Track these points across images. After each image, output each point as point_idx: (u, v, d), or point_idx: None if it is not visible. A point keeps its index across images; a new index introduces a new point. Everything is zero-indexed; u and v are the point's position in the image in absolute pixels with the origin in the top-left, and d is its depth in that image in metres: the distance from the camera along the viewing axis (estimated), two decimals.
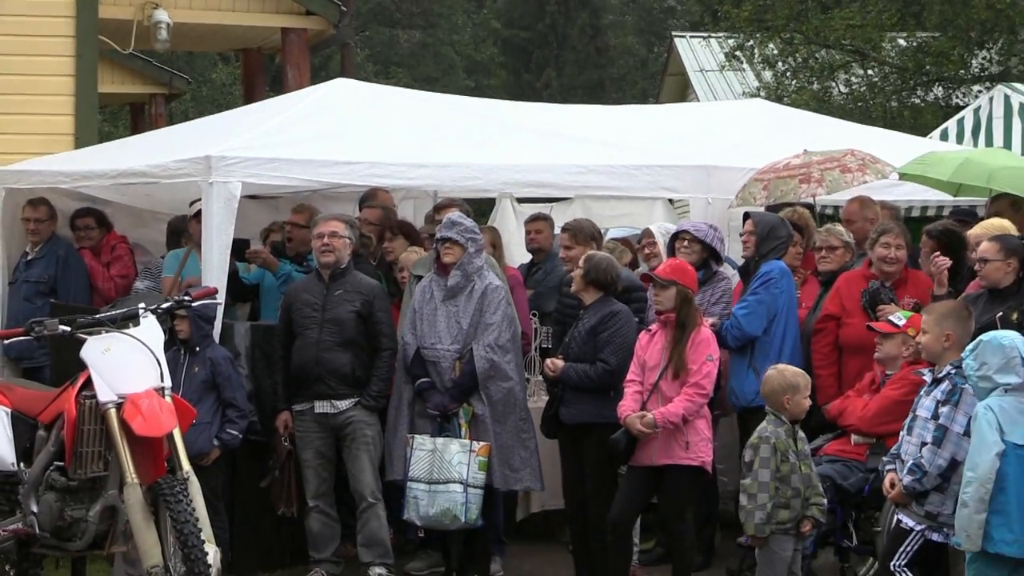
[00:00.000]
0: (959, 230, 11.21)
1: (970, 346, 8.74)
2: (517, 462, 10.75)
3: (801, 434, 9.60)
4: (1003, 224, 10.71)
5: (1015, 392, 8.46)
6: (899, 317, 10.13)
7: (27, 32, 13.59)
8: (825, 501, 9.53)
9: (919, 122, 24.25)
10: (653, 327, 10.26)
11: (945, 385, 8.96)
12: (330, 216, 11.37)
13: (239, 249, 11.77)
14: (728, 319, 10.83)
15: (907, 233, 11.15)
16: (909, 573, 8.90)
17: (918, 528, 8.92)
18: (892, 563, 8.97)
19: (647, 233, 12.13)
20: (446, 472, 10.55)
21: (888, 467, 9.19)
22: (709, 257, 11.23)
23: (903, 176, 12.28)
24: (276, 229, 13.00)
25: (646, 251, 11.97)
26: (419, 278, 11.11)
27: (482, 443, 10.61)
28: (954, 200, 13.09)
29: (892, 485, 9.06)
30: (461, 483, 10.53)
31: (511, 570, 11.51)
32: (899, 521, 9.00)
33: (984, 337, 8.72)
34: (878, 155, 12.25)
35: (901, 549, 8.98)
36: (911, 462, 8.90)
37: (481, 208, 12.05)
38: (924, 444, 8.89)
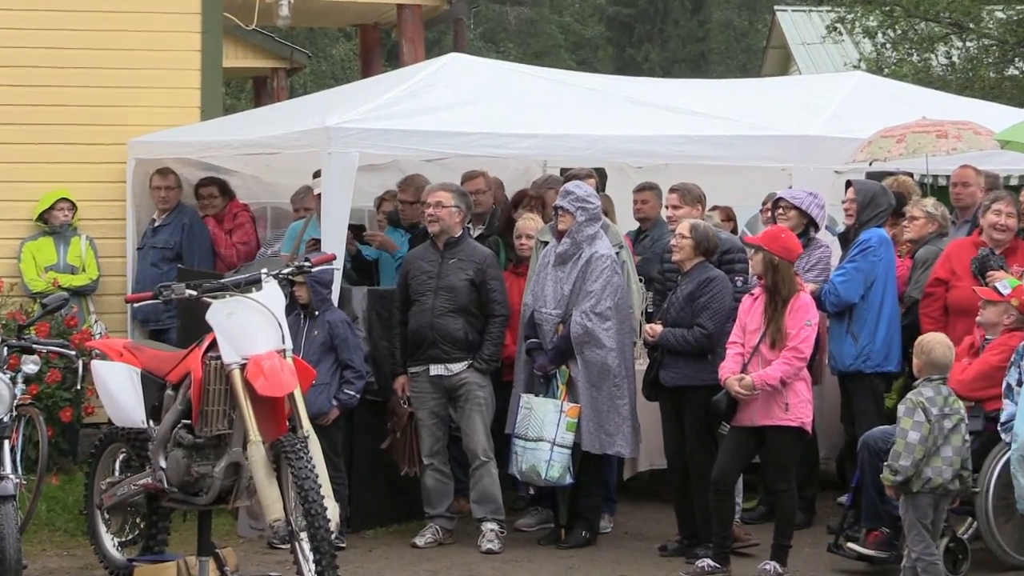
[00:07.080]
0: None
1: None
2: (611, 427, 10.69)
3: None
4: None
5: None
6: (1005, 286, 9.89)
7: (156, 9, 13.63)
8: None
9: (1020, 93, 23.76)
10: (756, 291, 10.16)
11: None
12: (437, 186, 11.29)
13: (356, 234, 11.88)
14: (827, 285, 10.72)
15: (1019, 203, 10.93)
16: None
17: None
18: None
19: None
20: (537, 430, 10.58)
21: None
22: (808, 224, 11.09)
23: (1002, 143, 11.96)
24: (389, 198, 12.97)
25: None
26: (545, 243, 11.11)
27: (572, 404, 10.59)
28: None
29: None
30: (549, 442, 10.53)
31: (618, 527, 11.49)
32: None
33: None
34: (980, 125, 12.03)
35: None
36: None
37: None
38: None
